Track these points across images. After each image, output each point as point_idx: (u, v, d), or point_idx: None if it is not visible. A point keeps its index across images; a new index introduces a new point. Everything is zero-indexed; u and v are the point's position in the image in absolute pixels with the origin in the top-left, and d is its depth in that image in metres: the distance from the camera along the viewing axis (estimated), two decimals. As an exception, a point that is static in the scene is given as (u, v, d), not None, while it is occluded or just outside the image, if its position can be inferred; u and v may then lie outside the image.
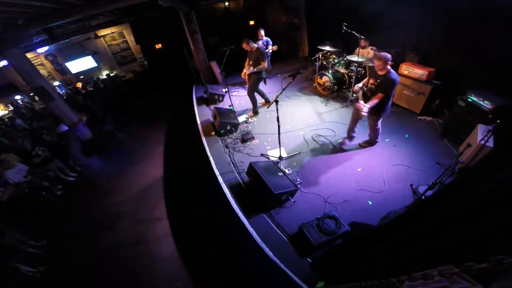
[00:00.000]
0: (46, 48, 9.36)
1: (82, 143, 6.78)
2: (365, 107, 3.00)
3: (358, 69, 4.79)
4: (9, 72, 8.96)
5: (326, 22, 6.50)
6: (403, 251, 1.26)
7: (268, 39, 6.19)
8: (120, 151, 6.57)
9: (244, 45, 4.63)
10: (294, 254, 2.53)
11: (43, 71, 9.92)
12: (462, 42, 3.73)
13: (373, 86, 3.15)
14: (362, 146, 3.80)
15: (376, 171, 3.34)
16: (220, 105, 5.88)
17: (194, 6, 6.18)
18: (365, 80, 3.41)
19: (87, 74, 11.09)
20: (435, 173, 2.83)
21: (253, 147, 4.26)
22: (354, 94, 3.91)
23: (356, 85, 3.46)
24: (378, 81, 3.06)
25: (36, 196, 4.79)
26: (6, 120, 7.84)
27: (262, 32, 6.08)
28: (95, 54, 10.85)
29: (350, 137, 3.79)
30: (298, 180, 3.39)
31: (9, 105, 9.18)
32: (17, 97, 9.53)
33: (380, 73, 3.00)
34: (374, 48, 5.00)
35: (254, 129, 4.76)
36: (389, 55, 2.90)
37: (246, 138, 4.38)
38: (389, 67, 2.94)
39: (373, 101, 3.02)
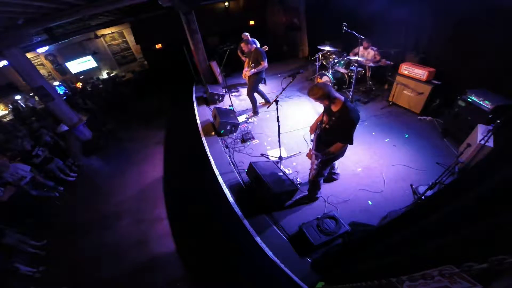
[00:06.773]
0: (46, 48, 9.35)
1: (82, 143, 6.78)
2: (316, 156, 2.27)
3: (358, 69, 4.79)
4: (9, 72, 8.96)
5: (326, 22, 6.49)
6: (403, 251, 1.26)
7: (255, 40, 5.81)
8: (120, 151, 6.56)
9: (242, 45, 4.63)
10: (294, 254, 2.53)
11: (43, 71, 9.91)
12: (462, 42, 3.73)
13: (327, 126, 2.39)
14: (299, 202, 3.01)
15: (376, 171, 3.34)
16: (220, 105, 5.87)
17: (194, 6, 6.18)
18: (319, 116, 2.60)
19: (87, 74, 11.08)
20: (435, 173, 2.83)
21: (253, 147, 4.26)
22: (311, 138, 2.72)
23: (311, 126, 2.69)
24: (333, 118, 2.29)
25: (36, 196, 4.79)
26: None
27: (248, 35, 5.69)
28: (95, 54, 10.85)
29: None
30: (298, 180, 3.39)
31: (9, 105, 9.18)
32: (17, 97, 9.52)
33: (334, 108, 2.26)
34: (374, 48, 5.00)
35: (254, 129, 4.76)
36: (328, 86, 2.16)
37: (246, 138, 4.38)
38: (342, 98, 2.20)
39: (332, 150, 2.35)
